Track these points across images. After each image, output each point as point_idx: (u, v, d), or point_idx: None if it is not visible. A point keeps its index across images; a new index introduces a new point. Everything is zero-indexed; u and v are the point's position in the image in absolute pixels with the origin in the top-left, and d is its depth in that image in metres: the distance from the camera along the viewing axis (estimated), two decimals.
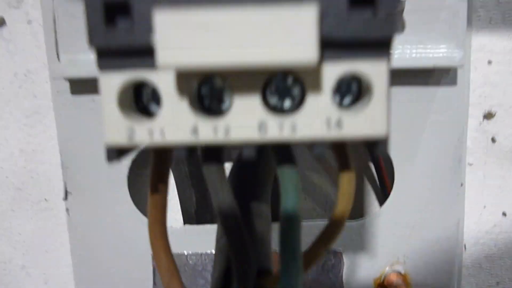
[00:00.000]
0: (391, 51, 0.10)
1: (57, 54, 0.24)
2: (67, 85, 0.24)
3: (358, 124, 0.11)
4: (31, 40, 0.27)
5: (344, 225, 0.12)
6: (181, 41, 0.09)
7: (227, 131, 0.11)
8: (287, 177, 0.12)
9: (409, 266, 0.26)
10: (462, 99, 0.24)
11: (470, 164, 0.27)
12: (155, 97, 0.12)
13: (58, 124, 0.25)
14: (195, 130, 0.11)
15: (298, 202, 0.12)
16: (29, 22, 0.27)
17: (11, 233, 0.29)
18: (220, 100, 0.11)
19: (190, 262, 0.25)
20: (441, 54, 0.22)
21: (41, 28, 0.27)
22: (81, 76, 0.23)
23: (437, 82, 0.23)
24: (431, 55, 0.22)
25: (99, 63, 0.11)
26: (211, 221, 0.26)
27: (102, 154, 0.25)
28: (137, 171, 0.28)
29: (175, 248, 0.25)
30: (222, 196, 0.11)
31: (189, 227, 0.26)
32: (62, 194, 0.29)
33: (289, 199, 0.12)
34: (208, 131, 0.11)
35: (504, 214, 0.28)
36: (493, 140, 0.27)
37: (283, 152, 0.12)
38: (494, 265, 0.29)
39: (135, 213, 0.25)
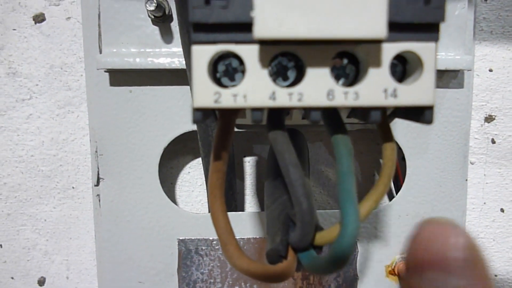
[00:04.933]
0: (439, 35, 0.13)
1: (100, 47, 0.25)
2: (105, 77, 0.26)
3: (411, 93, 0.13)
4: (69, 35, 0.29)
5: (389, 185, 0.14)
6: (276, 17, 0.11)
7: (300, 97, 0.13)
8: (341, 142, 0.14)
9: None
10: (468, 101, 0.27)
11: (472, 163, 0.30)
12: (229, 72, 0.14)
13: (93, 114, 0.26)
14: (273, 96, 0.13)
15: (352, 163, 0.14)
16: (68, 18, 0.29)
17: (36, 219, 0.30)
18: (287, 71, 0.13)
19: (216, 247, 0.27)
20: (451, 58, 0.25)
21: (78, 24, 0.29)
22: (122, 67, 0.25)
23: (447, 85, 0.26)
24: (443, 58, 0.25)
25: (194, 37, 0.13)
26: (235, 209, 0.28)
27: (136, 142, 0.26)
28: (168, 160, 0.30)
29: (201, 233, 0.27)
30: (289, 156, 0.13)
31: None
32: (89, 183, 0.30)
33: (345, 161, 0.14)
34: (284, 96, 0.13)
35: (502, 210, 0.30)
36: (493, 141, 0.30)
37: (336, 123, 0.15)
38: (493, 258, 0.31)
39: (164, 200, 0.27)
